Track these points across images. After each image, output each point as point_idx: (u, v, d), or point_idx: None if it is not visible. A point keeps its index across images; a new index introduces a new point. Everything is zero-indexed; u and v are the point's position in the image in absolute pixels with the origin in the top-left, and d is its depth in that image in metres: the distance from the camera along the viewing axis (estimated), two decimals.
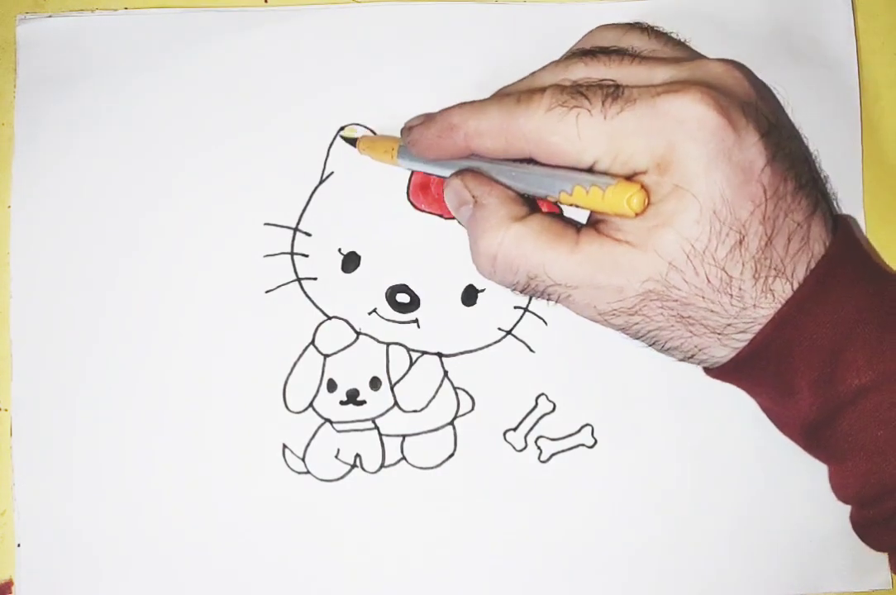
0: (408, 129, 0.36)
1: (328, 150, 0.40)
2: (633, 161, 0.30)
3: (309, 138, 0.40)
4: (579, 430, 0.40)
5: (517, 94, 0.33)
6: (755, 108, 0.31)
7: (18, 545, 0.39)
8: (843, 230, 0.32)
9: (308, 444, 0.40)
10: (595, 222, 0.33)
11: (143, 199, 0.40)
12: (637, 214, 0.30)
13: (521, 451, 0.40)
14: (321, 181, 0.40)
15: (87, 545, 0.39)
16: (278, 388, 0.40)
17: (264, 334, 0.40)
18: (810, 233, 0.31)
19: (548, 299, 0.34)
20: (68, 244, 0.40)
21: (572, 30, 0.41)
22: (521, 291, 0.34)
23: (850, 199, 0.41)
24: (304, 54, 0.41)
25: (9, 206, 0.40)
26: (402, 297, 0.40)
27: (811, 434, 0.33)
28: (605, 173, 0.31)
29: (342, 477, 0.40)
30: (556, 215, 0.34)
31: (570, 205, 0.32)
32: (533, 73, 0.36)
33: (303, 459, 0.40)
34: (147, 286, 0.40)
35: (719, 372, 0.34)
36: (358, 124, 0.40)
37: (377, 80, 0.41)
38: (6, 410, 0.39)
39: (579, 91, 0.31)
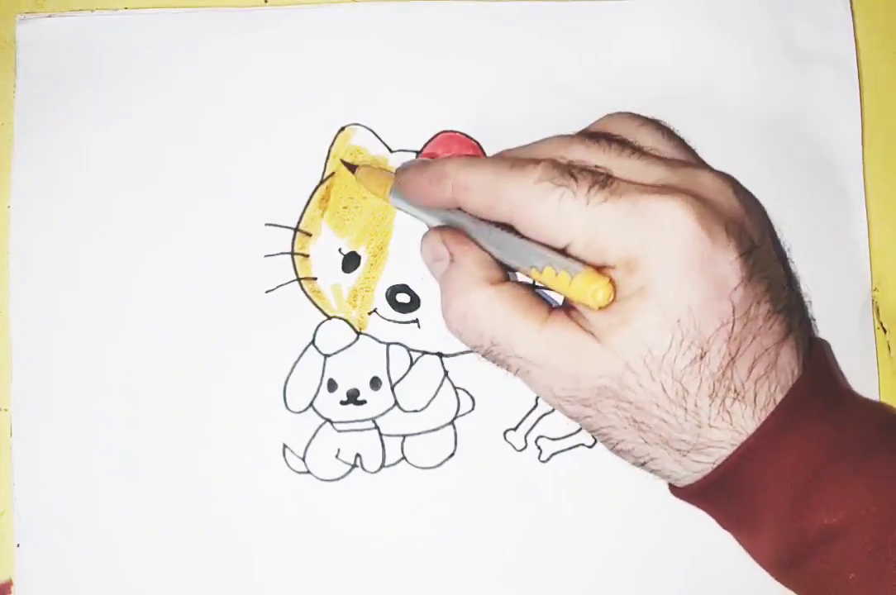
0: (402, 170, 0.36)
1: (329, 150, 0.40)
2: (605, 254, 0.30)
3: (309, 138, 0.40)
4: (579, 430, 0.40)
5: (512, 159, 0.33)
6: (740, 227, 0.31)
7: (18, 545, 0.39)
8: (816, 358, 0.32)
9: (308, 444, 0.40)
10: (567, 306, 0.33)
11: (142, 199, 0.40)
12: (600, 308, 0.30)
13: (521, 450, 0.40)
14: (321, 181, 0.40)
15: (87, 545, 0.39)
16: (278, 388, 0.40)
17: (264, 334, 0.40)
18: (778, 360, 0.31)
19: (507, 369, 0.33)
20: (68, 244, 0.40)
21: (572, 28, 0.41)
22: (483, 355, 0.34)
23: (851, 199, 0.41)
24: (304, 54, 0.41)
25: (9, 206, 0.40)
26: (403, 297, 0.40)
27: (780, 570, 0.32)
28: (577, 259, 0.31)
29: (342, 477, 0.40)
30: (532, 288, 0.35)
31: (539, 282, 0.33)
32: (535, 143, 0.35)
33: (303, 459, 0.40)
34: (147, 286, 0.40)
35: (683, 493, 0.33)
36: (358, 124, 0.40)
37: (377, 80, 0.41)
38: (6, 410, 0.39)
39: (570, 172, 0.31)
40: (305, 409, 0.40)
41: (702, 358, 0.29)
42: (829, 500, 0.30)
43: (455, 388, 0.40)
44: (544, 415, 0.40)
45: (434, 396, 0.40)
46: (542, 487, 0.40)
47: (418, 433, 0.40)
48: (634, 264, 0.30)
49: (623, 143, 0.34)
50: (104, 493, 0.39)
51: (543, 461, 0.40)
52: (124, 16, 0.41)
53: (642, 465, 0.33)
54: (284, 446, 0.40)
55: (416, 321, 0.40)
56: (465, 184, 0.33)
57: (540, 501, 0.40)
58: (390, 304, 0.40)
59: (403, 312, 0.40)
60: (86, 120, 0.40)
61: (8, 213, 0.40)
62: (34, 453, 0.39)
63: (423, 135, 0.40)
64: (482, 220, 0.34)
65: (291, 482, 0.40)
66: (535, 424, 0.40)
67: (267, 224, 0.40)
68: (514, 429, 0.40)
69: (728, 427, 0.30)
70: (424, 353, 0.40)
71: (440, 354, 0.40)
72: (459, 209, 0.35)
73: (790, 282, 0.34)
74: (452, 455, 0.40)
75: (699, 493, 0.32)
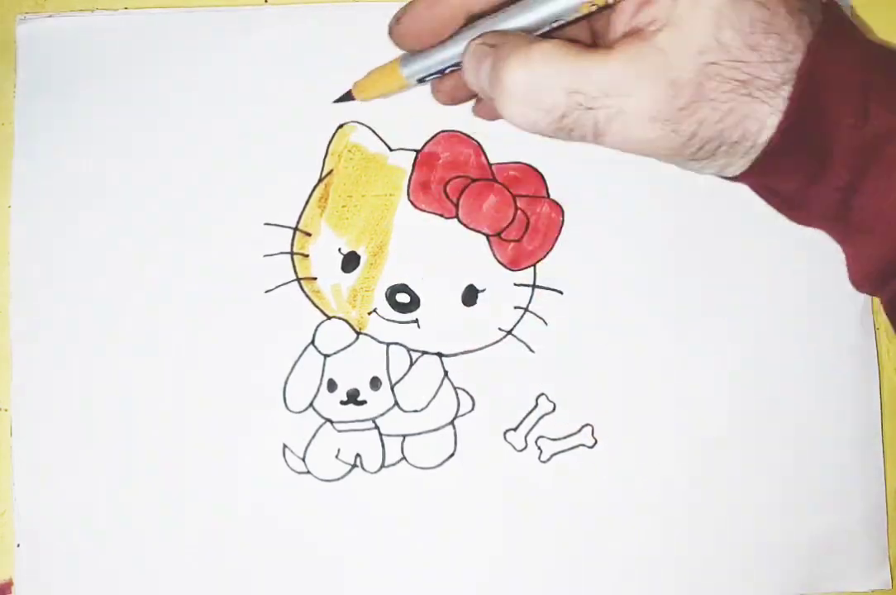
0: (395, 24, 0.34)
1: (327, 149, 0.40)
2: None
3: (308, 137, 0.40)
4: (579, 430, 0.40)
5: None
6: None
7: (18, 545, 0.39)
8: (830, 4, 0.32)
9: (308, 444, 0.40)
10: (620, 37, 0.31)
11: (142, 199, 0.40)
12: None
13: (521, 451, 0.40)
14: (320, 180, 0.40)
15: (87, 545, 0.39)
16: (278, 388, 0.40)
17: (264, 334, 0.40)
18: None
19: (595, 125, 0.30)
20: (68, 244, 0.40)
21: None
22: (562, 121, 0.30)
23: None
24: (304, 54, 0.41)
25: (9, 206, 0.40)
26: (402, 297, 0.40)
27: (841, 204, 0.32)
28: None
29: (342, 477, 0.40)
30: None
31: (605, 2, 0.30)
32: None
33: (303, 459, 0.40)
34: (147, 286, 0.40)
35: (761, 159, 0.32)
36: (357, 123, 0.40)
37: None
38: (6, 410, 0.39)
39: None
40: (305, 409, 0.40)
41: None
42: (887, 102, 0.30)
43: (455, 388, 0.40)
44: (544, 415, 0.40)
45: (434, 396, 0.40)
46: (542, 488, 0.40)
47: (418, 433, 0.40)
48: None
49: None
50: (104, 493, 0.39)
51: (543, 461, 0.40)
52: (124, 16, 0.41)
53: (751, 147, 0.31)
54: (284, 446, 0.40)
55: (416, 321, 0.40)
56: None
57: (540, 502, 0.40)
58: (390, 304, 0.40)
59: (403, 312, 0.40)
60: (86, 120, 0.40)
61: (8, 213, 0.40)
62: (34, 453, 0.39)
63: (422, 134, 0.41)
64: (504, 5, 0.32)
65: (291, 482, 0.40)
66: (535, 425, 0.40)
67: (266, 224, 0.40)
68: (514, 429, 0.40)
69: (802, 46, 0.30)
70: (424, 353, 0.40)
71: (440, 354, 0.40)
72: (468, 27, 0.33)
73: None
74: (452, 455, 0.40)
75: (779, 146, 0.31)
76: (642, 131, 0.30)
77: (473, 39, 0.32)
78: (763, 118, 0.30)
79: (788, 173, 0.32)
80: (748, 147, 0.31)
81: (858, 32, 0.32)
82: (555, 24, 0.31)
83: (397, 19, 0.34)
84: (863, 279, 0.34)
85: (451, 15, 0.33)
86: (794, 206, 0.34)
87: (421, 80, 0.35)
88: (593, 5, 0.30)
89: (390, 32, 0.34)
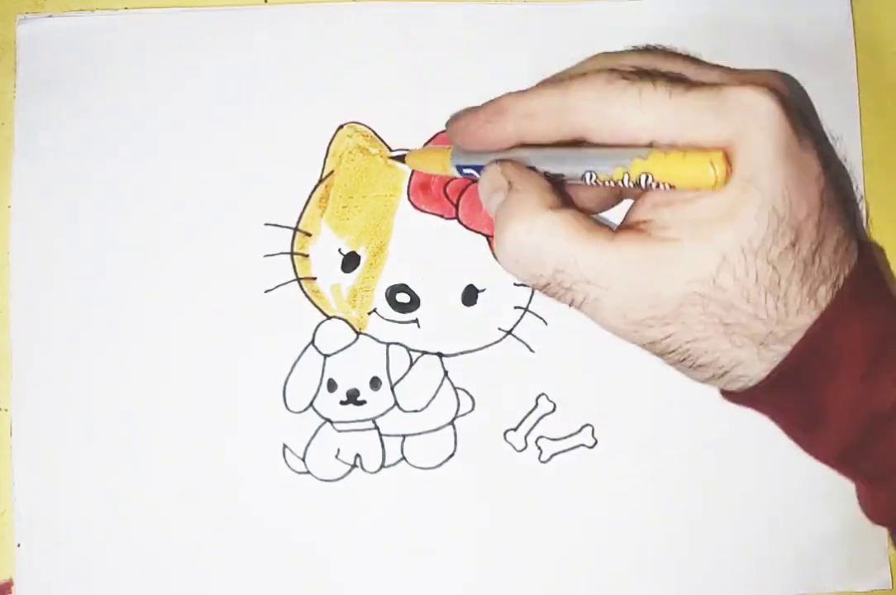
0: (454, 119, 0.34)
1: (328, 150, 0.40)
2: (697, 144, 0.28)
3: (309, 137, 0.40)
4: (579, 430, 0.40)
5: (568, 76, 0.31)
6: (804, 118, 0.30)
7: (18, 545, 0.39)
8: (865, 248, 0.32)
9: (308, 444, 0.40)
10: (633, 223, 0.31)
11: (142, 199, 0.40)
12: (715, 187, 0.28)
13: (521, 451, 0.40)
14: (321, 180, 0.40)
15: (87, 545, 0.39)
16: (278, 388, 0.40)
17: (264, 334, 0.40)
18: (850, 245, 0.31)
19: (571, 302, 0.31)
20: (68, 244, 0.40)
21: (571, 30, 0.41)
22: (543, 288, 0.31)
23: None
24: (304, 53, 0.41)
25: (9, 206, 0.40)
26: (402, 297, 0.40)
27: (844, 456, 0.32)
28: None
29: (342, 477, 0.40)
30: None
31: (637, 180, 0.29)
32: (579, 63, 0.34)
33: (303, 459, 0.40)
34: (147, 286, 0.40)
35: (748, 393, 0.32)
36: (357, 123, 0.40)
37: (376, 79, 0.41)
38: (6, 410, 0.39)
39: (638, 72, 0.30)
40: (305, 409, 0.40)
41: (794, 245, 0.29)
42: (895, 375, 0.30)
43: (455, 388, 0.40)
44: (544, 415, 0.40)
45: (434, 396, 0.40)
46: (542, 488, 0.40)
47: (418, 433, 0.40)
48: (730, 153, 0.28)
49: (668, 52, 0.33)
50: (104, 493, 0.39)
51: (543, 461, 0.40)
52: (124, 16, 0.41)
53: (722, 375, 0.31)
54: (284, 446, 0.40)
55: (416, 321, 0.40)
56: (527, 110, 0.31)
57: (540, 502, 0.40)
58: (390, 304, 0.40)
59: (403, 312, 0.40)
60: (86, 120, 0.40)
61: (8, 213, 0.40)
62: (34, 453, 0.39)
63: (422, 134, 0.40)
64: (546, 147, 0.32)
65: (291, 482, 0.40)
66: (535, 425, 0.40)
67: (266, 224, 0.40)
68: (515, 429, 0.40)
69: (813, 312, 0.30)
70: (424, 353, 0.40)
71: (440, 354, 0.40)
72: (522, 145, 0.33)
73: (845, 173, 0.34)
74: (452, 455, 0.40)
75: (771, 387, 0.31)
76: (610, 320, 0.31)
77: (495, 161, 0.33)
78: (742, 360, 0.30)
79: (780, 416, 0.33)
80: (719, 374, 0.31)
81: (885, 289, 0.32)
82: (586, 182, 0.31)
83: (456, 118, 0.34)
84: (877, 516, 0.34)
85: (505, 137, 0.32)
86: (797, 440, 0.34)
87: (464, 175, 0.36)
88: (620, 182, 0.29)
89: (447, 124, 0.35)
